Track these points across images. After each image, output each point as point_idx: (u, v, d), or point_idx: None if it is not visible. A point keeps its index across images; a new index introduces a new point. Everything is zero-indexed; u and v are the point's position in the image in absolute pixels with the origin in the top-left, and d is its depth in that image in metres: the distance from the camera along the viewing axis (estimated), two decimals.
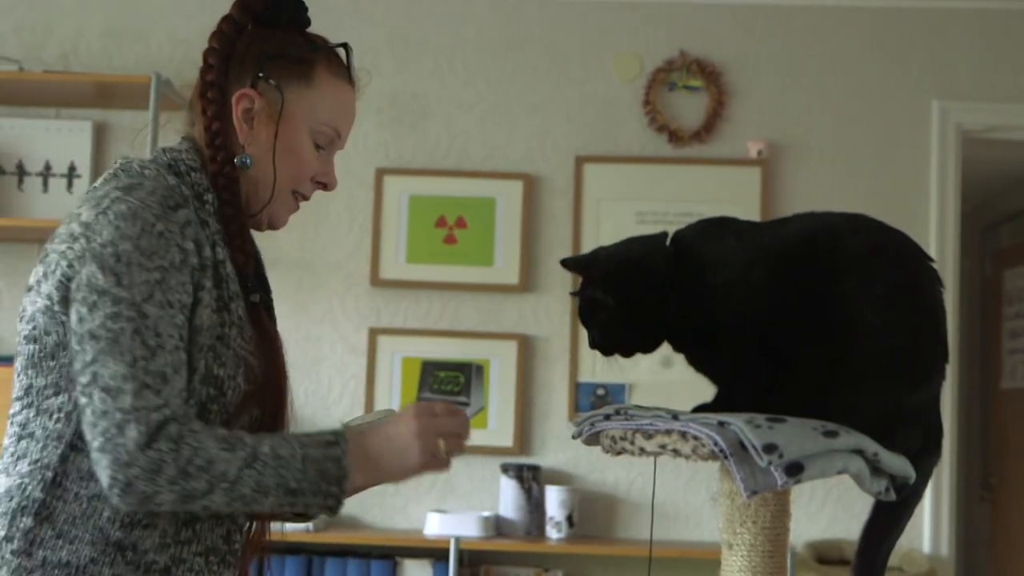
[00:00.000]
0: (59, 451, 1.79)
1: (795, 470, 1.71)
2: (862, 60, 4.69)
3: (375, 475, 1.87)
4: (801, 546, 4.34)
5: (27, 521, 1.79)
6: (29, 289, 1.86)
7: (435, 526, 4.31)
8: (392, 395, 4.57)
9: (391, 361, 4.59)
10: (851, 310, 1.88)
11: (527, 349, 4.61)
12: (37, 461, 1.80)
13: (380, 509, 4.57)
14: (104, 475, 1.72)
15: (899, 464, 1.84)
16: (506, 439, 4.56)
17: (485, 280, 4.63)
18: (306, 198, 2.07)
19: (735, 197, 4.52)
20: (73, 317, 1.77)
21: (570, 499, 4.39)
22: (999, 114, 4.69)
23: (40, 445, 1.80)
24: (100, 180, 1.91)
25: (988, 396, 6.67)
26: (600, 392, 4.56)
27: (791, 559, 3.96)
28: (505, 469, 4.47)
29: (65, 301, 1.79)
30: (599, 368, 4.56)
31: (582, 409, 4.48)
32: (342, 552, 4.35)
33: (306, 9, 2.03)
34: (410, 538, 4.36)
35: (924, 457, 1.93)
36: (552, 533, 4.38)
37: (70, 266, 1.79)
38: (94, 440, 1.73)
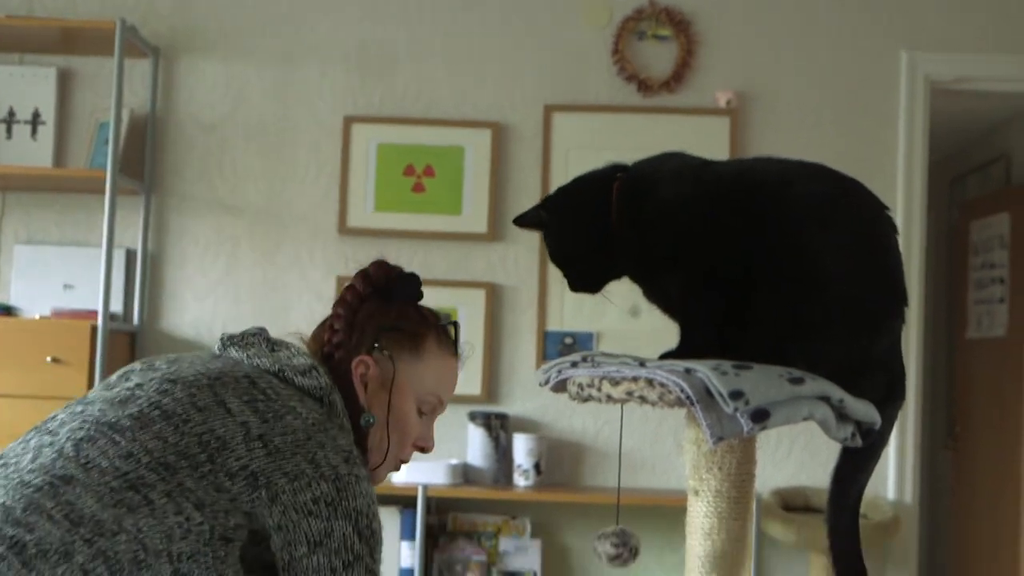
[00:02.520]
0: None
1: (761, 416, 1.72)
2: (831, 10, 4.68)
3: None
4: (767, 493, 4.37)
5: None
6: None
7: (403, 474, 4.32)
8: None
9: None
10: (811, 258, 1.88)
11: (495, 298, 4.61)
12: None
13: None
14: None
15: (864, 410, 1.85)
16: (474, 387, 4.57)
17: (453, 229, 4.63)
18: (405, 461, 2.14)
19: (704, 146, 4.44)
20: (292, 552, 1.77)
21: (537, 447, 4.41)
22: (967, 65, 4.70)
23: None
24: (301, 380, 1.91)
25: (954, 346, 6.71)
26: (568, 340, 4.57)
27: (757, 506, 3.99)
28: (473, 417, 4.48)
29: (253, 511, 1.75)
30: (567, 316, 4.57)
31: (550, 357, 4.49)
32: None
33: (420, 285, 2.12)
34: (378, 486, 4.35)
35: (889, 402, 1.94)
36: (520, 481, 4.40)
37: (314, 501, 1.77)
38: None
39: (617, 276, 2.10)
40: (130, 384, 1.83)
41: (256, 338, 1.96)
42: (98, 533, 1.59)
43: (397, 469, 2.14)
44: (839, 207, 1.92)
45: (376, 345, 2.04)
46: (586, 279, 2.11)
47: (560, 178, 4.56)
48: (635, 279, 2.08)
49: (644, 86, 4.64)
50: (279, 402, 1.81)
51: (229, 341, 1.96)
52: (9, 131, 4.56)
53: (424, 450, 2.15)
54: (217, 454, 1.71)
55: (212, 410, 1.75)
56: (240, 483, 1.72)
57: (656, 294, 2.06)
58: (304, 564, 1.75)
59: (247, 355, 1.92)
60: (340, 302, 2.07)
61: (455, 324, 2.18)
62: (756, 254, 1.91)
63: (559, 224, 2.10)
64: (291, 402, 1.82)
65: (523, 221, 2.15)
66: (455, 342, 2.17)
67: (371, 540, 1.81)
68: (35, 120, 4.57)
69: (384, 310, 2.08)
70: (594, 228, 2.05)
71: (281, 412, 1.79)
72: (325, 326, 2.06)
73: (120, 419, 1.73)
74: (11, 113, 4.57)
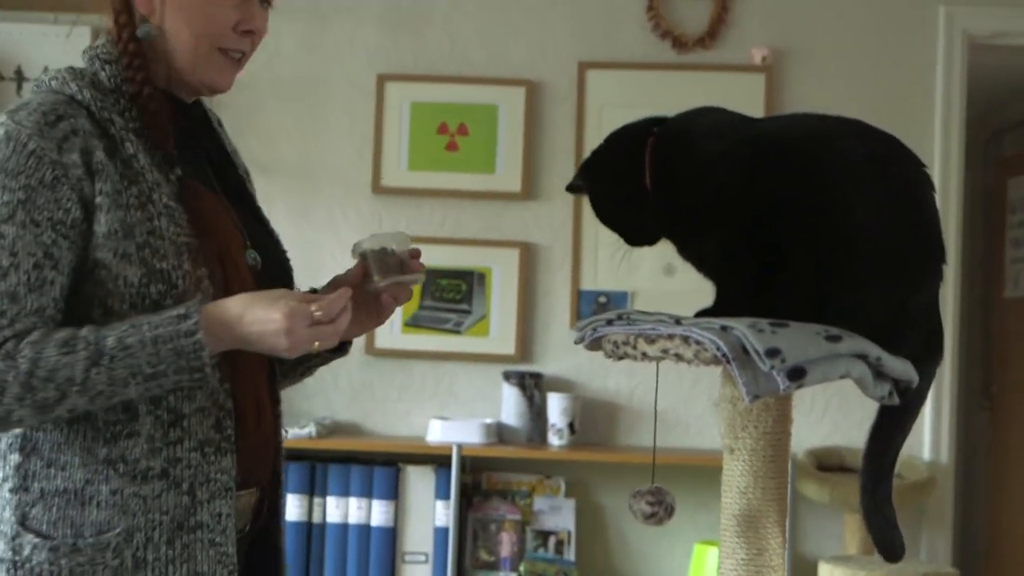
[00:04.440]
0: None
1: (797, 374, 1.70)
2: None
3: (241, 345, 1.84)
4: (802, 453, 4.36)
5: (15, 457, 1.81)
6: None
7: (437, 433, 4.33)
8: None
9: None
10: (847, 215, 1.87)
11: (529, 257, 4.60)
12: None
13: (382, 416, 4.59)
14: None
15: (902, 368, 1.83)
16: (508, 347, 4.57)
17: (487, 187, 4.61)
18: (241, 51, 2.00)
19: (739, 104, 4.40)
20: None
21: (572, 406, 4.40)
22: (1006, 20, 4.64)
23: None
24: None
25: (990, 305, 6.67)
26: (602, 300, 4.56)
27: (792, 465, 3.98)
28: (507, 376, 4.48)
29: None
30: (601, 275, 4.56)
31: (584, 317, 4.48)
32: (345, 459, 4.37)
33: None
34: (412, 445, 4.37)
35: (926, 360, 1.92)
36: (554, 440, 4.40)
37: None
38: None
39: (649, 232, 2.09)
40: None
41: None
42: None
43: (236, 67, 2.01)
44: (877, 164, 1.90)
45: None
46: (639, 235, 2.09)
47: (594, 136, 4.54)
48: (669, 237, 2.07)
49: (679, 43, 4.60)
50: None
51: None
52: None
53: (253, 33, 2.00)
54: None
55: None
56: None
57: (691, 252, 2.05)
58: None
59: None
60: None
61: None
62: (793, 211, 1.89)
63: (596, 190, 2.09)
64: None
65: (571, 189, 2.14)
66: None
67: None
68: None
69: None
70: (631, 187, 2.04)
71: None
72: None
73: None
74: (46, 72, 4.57)
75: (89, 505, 1.80)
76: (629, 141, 2.07)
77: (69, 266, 1.79)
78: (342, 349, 2.16)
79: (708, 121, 2.04)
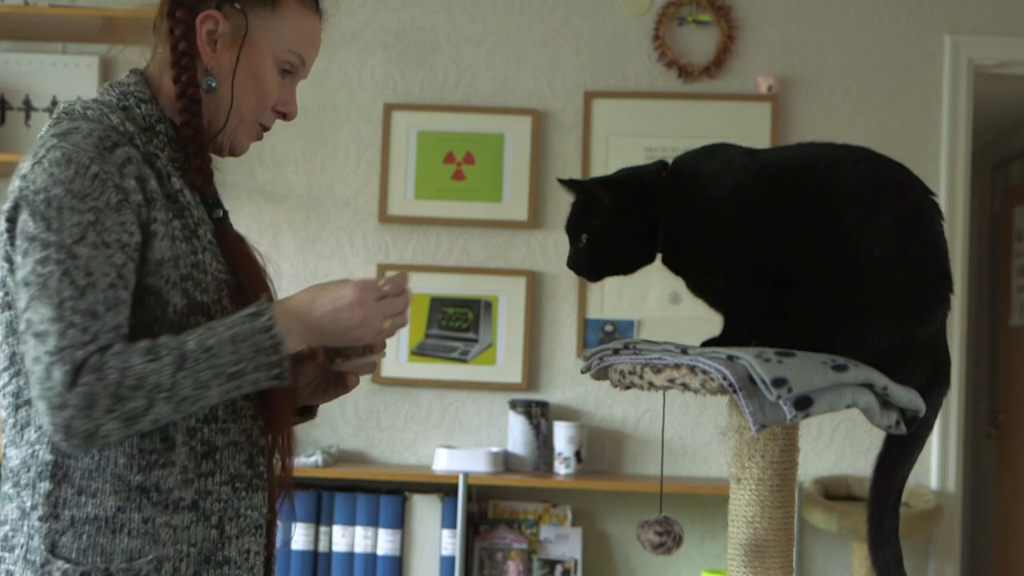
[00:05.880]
0: None
1: (804, 404, 1.71)
2: None
3: (314, 336, 1.87)
4: (809, 482, 4.35)
5: (46, 485, 1.80)
6: None
7: (444, 462, 4.33)
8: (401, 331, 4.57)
9: None
10: (855, 244, 1.87)
11: (536, 285, 4.60)
12: (40, 426, 1.80)
13: (389, 445, 4.58)
14: (45, 422, 1.72)
15: (909, 397, 1.84)
16: (514, 375, 4.57)
17: (494, 216, 4.62)
18: (267, 128, 2.06)
19: (745, 133, 4.49)
20: (14, 266, 1.78)
21: (578, 435, 4.40)
22: (1012, 49, 4.65)
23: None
24: (44, 127, 1.91)
25: (997, 333, 6.66)
26: (608, 328, 4.56)
27: (799, 494, 3.97)
28: (513, 405, 4.48)
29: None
30: (607, 304, 4.56)
31: (590, 345, 4.48)
32: (351, 487, 4.36)
33: None
34: (419, 473, 4.37)
35: (933, 389, 1.93)
36: (560, 469, 4.39)
37: (9, 220, 1.79)
38: (33, 388, 1.73)
39: (642, 263, 2.10)
40: None
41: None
42: None
43: (259, 138, 2.08)
44: (885, 192, 1.91)
45: None
46: (614, 260, 2.10)
47: (600, 164, 4.56)
48: (679, 273, 2.07)
49: (685, 72, 4.62)
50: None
51: None
52: None
53: (286, 116, 2.06)
54: None
55: None
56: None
57: (701, 286, 2.05)
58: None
59: None
60: None
61: None
62: (801, 240, 1.90)
63: (612, 206, 2.08)
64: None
65: (576, 186, 2.13)
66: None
67: (46, 212, 1.76)
68: None
69: None
70: (641, 222, 2.04)
71: None
72: None
73: None
74: (54, 102, 4.59)
75: (120, 533, 1.80)
76: (641, 178, 2.08)
77: (133, 288, 1.81)
78: (310, 412, 2.18)
79: (716, 158, 2.05)
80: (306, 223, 4.64)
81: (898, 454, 1.99)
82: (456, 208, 4.62)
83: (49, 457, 1.80)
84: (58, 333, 1.71)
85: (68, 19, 4.46)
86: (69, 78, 4.60)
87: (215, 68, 1.97)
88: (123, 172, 1.81)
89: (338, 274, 4.57)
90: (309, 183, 4.66)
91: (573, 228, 2.12)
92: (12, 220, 1.79)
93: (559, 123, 4.65)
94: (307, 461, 4.25)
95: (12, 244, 1.79)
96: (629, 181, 2.09)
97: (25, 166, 1.81)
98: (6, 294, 1.82)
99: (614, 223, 2.07)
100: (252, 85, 1.98)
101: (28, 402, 1.82)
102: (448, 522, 4.30)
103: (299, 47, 2.02)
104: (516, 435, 4.46)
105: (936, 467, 4.54)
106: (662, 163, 2.09)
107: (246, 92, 1.98)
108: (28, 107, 4.60)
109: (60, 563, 1.78)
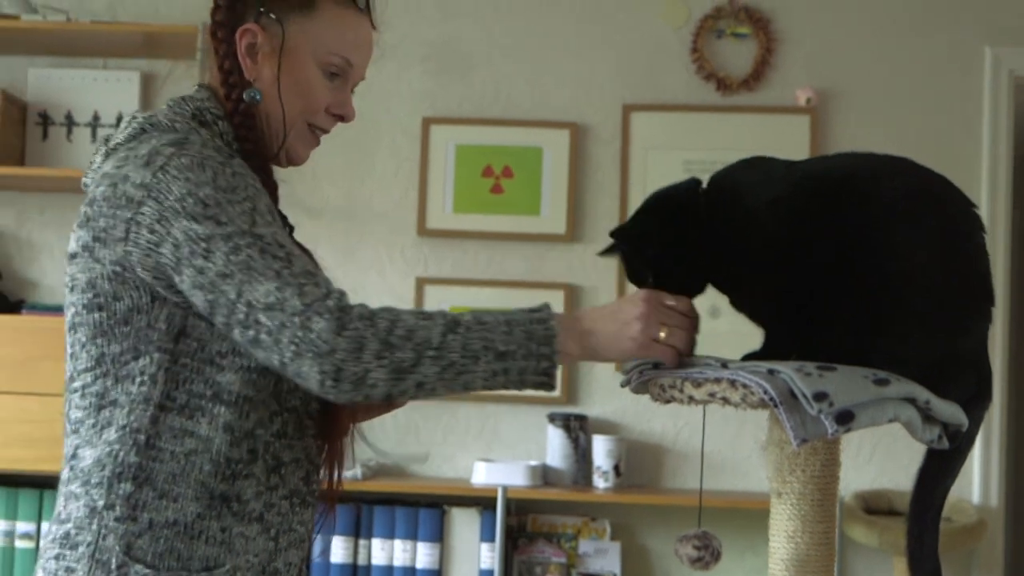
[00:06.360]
0: (148, 413, 1.81)
1: (846, 418, 1.70)
2: (912, 5, 4.62)
3: (587, 346, 1.85)
4: (849, 496, 4.33)
5: (126, 487, 1.81)
6: (74, 256, 1.86)
7: (482, 475, 4.33)
8: None
9: None
10: (896, 256, 1.86)
11: (573, 299, 4.60)
12: (125, 427, 1.81)
13: (428, 458, 4.59)
14: (313, 377, 1.71)
15: (951, 411, 1.82)
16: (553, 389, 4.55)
17: (532, 230, 4.62)
18: (325, 131, 2.07)
19: (784, 146, 4.48)
20: (188, 278, 1.76)
21: (617, 448, 4.39)
22: None
23: (126, 411, 1.81)
24: (122, 137, 1.93)
25: None
26: None
27: (840, 509, 3.95)
28: (552, 419, 4.47)
29: (147, 267, 1.79)
30: None
31: None
32: (390, 501, 4.37)
33: None
34: (458, 487, 4.37)
35: (975, 403, 1.91)
36: (599, 482, 4.39)
37: (151, 231, 1.77)
38: (285, 355, 1.71)
39: (702, 284, 2.07)
40: None
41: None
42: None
43: (316, 143, 2.08)
44: (925, 203, 1.90)
45: (261, 10, 1.97)
46: (691, 288, 2.07)
47: (639, 178, 4.55)
48: (722, 288, 2.06)
49: (723, 85, 4.61)
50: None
51: None
52: (94, 135, 4.62)
53: (344, 118, 2.08)
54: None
55: None
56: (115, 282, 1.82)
57: (743, 301, 2.04)
58: (188, 285, 1.77)
59: None
60: None
61: None
62: (841, 251, 1.88)
63: (661, 244, 2.06)
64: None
65: (622, 237, 2.10)
66: None
67: (207, 212, 1.76)
68: (119, 124, 4.61)
69: None
70: (692, 245, 2.02)
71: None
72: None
73: None
74: (96, 117, 4.63)
75: (198, 540, 1.81)
76: (676, 199, 2.06)
77: None
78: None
79: (754, 171, 2.04)
80: (345, 236, 4.66)
81: (939, 468, 1.97)
82: (494, 222, 4.62)
83: (134, 459, 1.80)
84: (295, 294, 1.71)
85: (109, 35, 4.50)
86: (110, 93, 4.63)
87: (258, 80, 1.98)
88: (247, 174, 1.86)
89: (376, 288, 4.59)
90: (348, 196, 4.67)
91: (636, 278, 2.09)
92: (153, 231, 1.78)
93: (597, 136, 4.65)
94: (346, 474, 4.25)
95: (147, 254, 1.79)
96: (668, 210, 2.07)
97: (136, 174, 1.81)
98: (96, 295, 1.83)
99: (670, 259, 2.04)
100: (297, 91, 1.99)
101: (114, 402, 1.82)
102: (487, 535, 4.30)
103: (341, 49, 2.03)
104: (555, 448, 4.45)
105: (978, 481, 4.51)
106: (695, 180, 2.08)
107: (292, 99, 1.99)
108: (70, 122, 4.63)
109: (139, 567, 1.78)
